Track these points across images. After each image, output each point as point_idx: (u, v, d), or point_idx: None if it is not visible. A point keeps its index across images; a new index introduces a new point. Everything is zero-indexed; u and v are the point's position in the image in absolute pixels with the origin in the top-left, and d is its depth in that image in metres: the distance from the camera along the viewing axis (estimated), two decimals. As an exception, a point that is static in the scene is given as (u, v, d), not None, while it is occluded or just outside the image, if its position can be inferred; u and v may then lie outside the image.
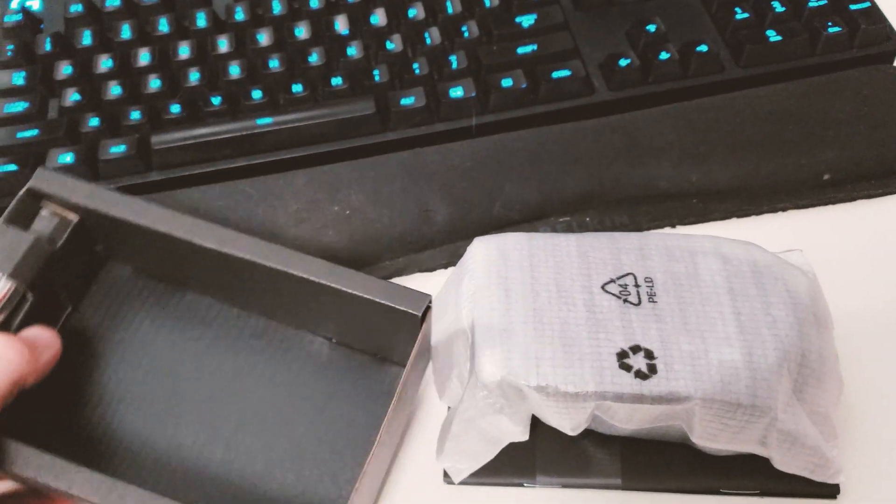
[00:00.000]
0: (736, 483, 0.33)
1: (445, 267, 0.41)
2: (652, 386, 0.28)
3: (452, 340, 0.32)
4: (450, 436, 0.32)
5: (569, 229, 0.41)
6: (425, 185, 0.42)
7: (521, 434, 0.31)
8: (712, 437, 0.30)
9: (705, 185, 0.42)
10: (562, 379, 0.28)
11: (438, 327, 0.34)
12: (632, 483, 0.34)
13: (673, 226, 0.42)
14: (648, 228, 0.42)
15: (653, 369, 0.29)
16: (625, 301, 0.31)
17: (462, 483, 0.34)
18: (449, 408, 0.33)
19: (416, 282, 0.41)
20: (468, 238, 0.41)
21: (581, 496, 0.34)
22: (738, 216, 0.42)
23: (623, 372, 0.29)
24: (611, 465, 0.34)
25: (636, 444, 0.34)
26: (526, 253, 0.33)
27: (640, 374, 0.29)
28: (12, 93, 0.46)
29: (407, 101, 0.44)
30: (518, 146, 0.43)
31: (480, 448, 0.32)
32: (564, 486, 0.34)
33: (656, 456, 0.34)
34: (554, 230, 0.41)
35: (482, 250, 0.33)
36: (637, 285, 0.31)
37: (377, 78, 0.46)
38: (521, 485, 0.34)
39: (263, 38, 0.47)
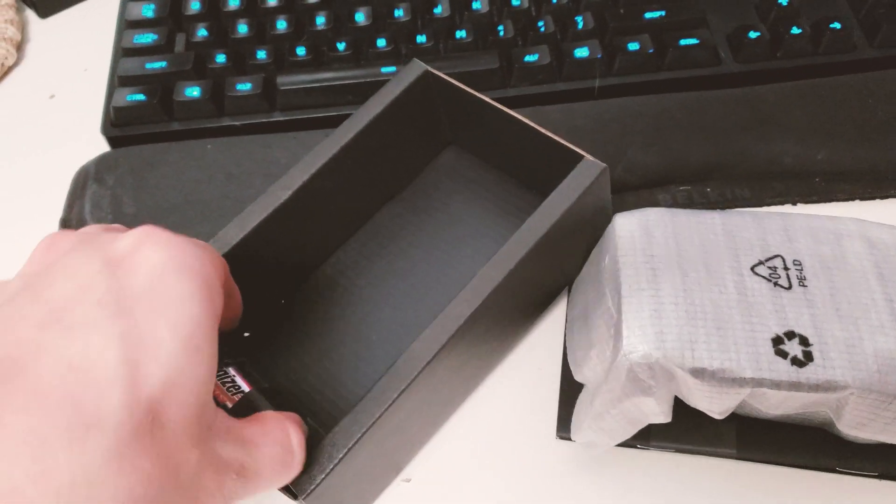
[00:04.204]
0: (853, 463, 0.33)
1: (561, 227, 0.41)
2: (809, 374, 0.27)
3: (592, 317, 0.32)
4: (592, 414, 0.31)
5: (689, 199, 0.41)
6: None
7: (665, 416, 0.30)
8: (861, 427, 0.29)
9: (830, 164, 0.41)
10: (718, 363, 0.28)
11: (575, 303, 0.34)
12: (746, 454, 0.34)
13: (794, 203, 0.41)
14: (770, 204, 0.41)
15: (809, 356, 0.28)
16: (775, 284, 0.30)
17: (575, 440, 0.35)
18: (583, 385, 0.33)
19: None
20: (587, 199, 0.42)
21: (694, 462, 0.34)
22: (862, 199, 0.41)
23: (779, 358, 0.28)
24: (727, 434, 0.34)
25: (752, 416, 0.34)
26: (671, 230, 0.32)
27: (796, 362, 0.28)
28: (142, 24, 0.47)
29: (531, 58, 0.44)
30: (642, 111, 0.43)
31: (620, 427, 0.31)
32: (678, 451, 0.34)
33: (772, 429, 0.34)
34: (674, 199, 0.41)
35: (625, 226, 0.32)
36: (786, 268, 0.31)
37: (501, 33, 0.45)
38: (634, 446, 0.34)
39: (390, -15, 0.48)
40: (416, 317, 0.37)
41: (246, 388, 0.29)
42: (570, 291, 0.36)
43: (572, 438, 0.33)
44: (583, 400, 0.32)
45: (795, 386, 0.27)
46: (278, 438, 0.26)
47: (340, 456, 0.28)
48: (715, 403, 0.29)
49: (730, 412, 0.29)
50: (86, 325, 0.21)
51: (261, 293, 0.37)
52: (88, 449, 0.20)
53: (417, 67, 0.38)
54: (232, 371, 0.30)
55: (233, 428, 0.25)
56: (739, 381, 0.27)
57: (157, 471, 0.21)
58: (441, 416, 0.35)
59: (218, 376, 0.29)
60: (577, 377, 0.33)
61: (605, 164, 0.34)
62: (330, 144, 0.36)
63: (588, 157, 0.34)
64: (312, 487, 0.28)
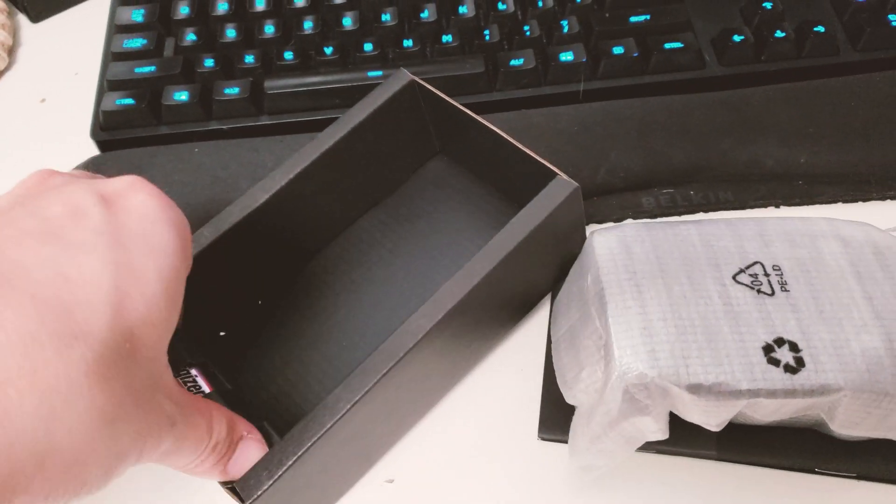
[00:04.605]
0: (832, 464, 0.33)
1: (545, 229, 0.42)
2: (803, 380, 0.28)
3: (580, 338, 0.32)
4: (589, 437, 0.31)
5: (672, 202, 0.41)
6: (530, 146, 0.42)
7: (662, 433, 0.30)
8: (854, 426, 0.29)
9: (813, 167, 0.42)
10: (713, 377, 0.28)
11: (559, 324, 0.34)
12: (727, 455, 0.34)
13: (777, 206, 0.41)
14: (752, 207, 0.41)
15: (800, 362, 0.28)
16: (758, 291, 0.30)
17: (557, 441, 0.35)
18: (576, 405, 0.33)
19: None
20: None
21: (675, 463, 0.35)
22: (845, 201, 0.41)
23: (772, 367, 0.28)
24: (707, 435, 0.34)
25: (732, 416, 0.34)
26: (649, 245, 0.32)
27: (789, 369, 0.28)
28: (132, 29, 0.48)
29: (516, 63, 0.44)
30: (626, 114, 0.43)
31: (618, 448, 0.31)
32: (658, 452, 0.34)
33: (752, 431, 0.34)
34: (657, 201, 0.41)
35: (604, 244, 0.32)
36: (767, 274, 0.31)
37: (487, 37, 0.46)
38: (615, 447, 0.35)
39: (377, -10, 0.48)
40: (389, 325, 0.37)
41: (207, 389, 0.29)
42: (551, 310, 0.36)
43: (572, 463, 0.32)
44: (577, 423, 0.32)
45: (790, 393, 0.27)
46: (205, 415, 0.27)
47: (289, 463, 0.28)
48: (712, 417, 0.28)
49: (726, 423, 0.29)
50: (84, 246, 0.23)
51: (238, 293, 0.37)
52: (74, 358, 0.21)
53: (403, 77, 0.38)
54: (194, 372, 0.30)
55: (174, 387, 0.26)
56: (736, 394, 0.28)
57: (124, 396, 0.22)
58: (406, 423, 0.36)
59: (180, 376, 0.30)
60: (569, 400, 0.32)
61: (576, 184, 0.34)
62: (311, 149, 0.36)
63: (561, 175, 0.34)
64: (259, 493, 0.28)
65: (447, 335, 0.32)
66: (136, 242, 0.24)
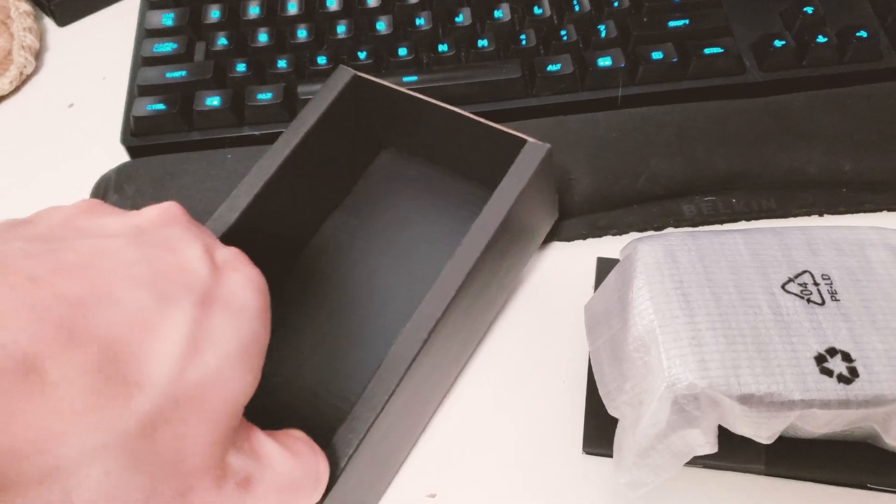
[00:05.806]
0: (886, 479, 0.32)
1: (584, 238, 0.41)
2: (857, 390, 0.27)
3: (623, 349, 0.31)
4: (637, 451, 0.30)
5: (714, 210, 0.40)
6: (568, 152, 0.42)
7: (711, 446, 0.29)
8: None
9: (858, 174, 0.41)
10: (765, 388, 0.27)
11: (597, 333, 0.33)
12: (775, 469, 0.33)
13: (821, 214, 0.41)
14: (796, 215, 0.40)
15: (854, 372, 0.27)
16: (808, 301, 0.29)
17: (602, 455, 0.34)
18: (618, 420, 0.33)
19: (555, 250, 0.41)
20: (608, 209, 0.41)
21: (722, 478, 0.34)
22: (890, 210, 0.41)
23: (825, 377, 0.27)
24: (755, 449, 0.33)
25: (781, 430, 0.33)
26: (696, 254, 0.31)
27: (842, 379, 0.27)
28: (162, 33, 0.47)
29: (553, 68, 0.44)
30: (665, 120, 0.42)
31: (666, 462, 0.30)
32: (706, 466, 0.34)
33: (802, 444, 0.33)
34: (699, 209, 0.40)
35: (648, 252, 0.31)
36: (816, 283, 0.30)
37: (524, 42, 0.45)
38: (661, 461, 0.34)
39: (411, -6, 0.47)
40: (384, 320, 0.38)
41: None
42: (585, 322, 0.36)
43: (618, 479, 0.32)
44: (622, 437, 0.31)
45: (844, 404, 0.27)
46: (307, 466, 0.27)
47: (342, 466, 0.28)
48: (763, 429, 0.28)
49: (777, 435, 0.28)
50: (173, 299, 0.23)
51: None
52: (129, 405, 0.21)
53: (346, 73, 0.38)
54: None
55: (253, 439, 0.26)
56: (789, 405, 0.27)
57: (169, 450, 0.22)
58: (429, 409, 0.36)
59: None
60: (612, 412, 0.32)
61: (549, 145, 0.35)
62: (269, 161, 0.36)
63: (531, 140, 0.35)
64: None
65: (460, 310, 0.33)
66: (220, 304, 0.25)
